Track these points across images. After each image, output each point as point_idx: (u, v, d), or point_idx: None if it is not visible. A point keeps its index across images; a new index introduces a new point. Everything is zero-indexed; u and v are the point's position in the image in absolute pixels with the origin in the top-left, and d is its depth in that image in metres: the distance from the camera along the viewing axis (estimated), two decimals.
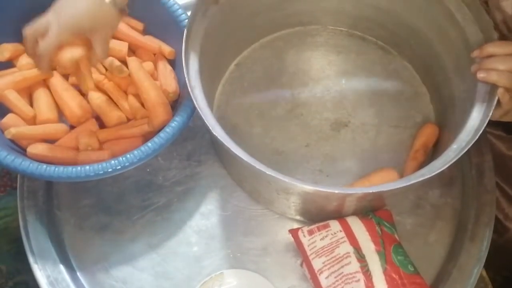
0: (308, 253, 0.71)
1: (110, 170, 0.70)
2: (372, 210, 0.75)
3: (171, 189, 0.82)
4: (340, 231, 0.71)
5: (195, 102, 0.68)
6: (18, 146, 0.76)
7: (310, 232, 0.73)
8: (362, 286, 0.67)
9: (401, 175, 0.81)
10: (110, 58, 0.80)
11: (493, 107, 0.67)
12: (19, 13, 0.80)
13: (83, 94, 0.81)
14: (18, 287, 0.97)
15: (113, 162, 0.70)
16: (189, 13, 0.74)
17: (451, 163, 0.65)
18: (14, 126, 0.75)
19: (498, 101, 0.68)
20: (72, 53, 0.67)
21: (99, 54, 0.69)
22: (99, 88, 0.81)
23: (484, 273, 0.86)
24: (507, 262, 0.93)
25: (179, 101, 0.80)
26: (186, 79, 0.70)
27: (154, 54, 0.83)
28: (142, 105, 0.79)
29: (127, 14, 0.71)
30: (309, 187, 0.64)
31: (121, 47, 0.81)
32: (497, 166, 0.85)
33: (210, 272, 0.76)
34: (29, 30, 0.67)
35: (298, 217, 0.80)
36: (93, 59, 0.70)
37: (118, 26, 0.72)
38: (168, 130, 0.73)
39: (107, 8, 0.68)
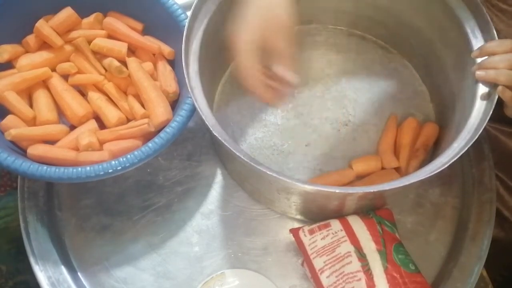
0: (309, 252, 0.71)
1: (110, 170, 0.70)
2: (373, 209, 0.75)
3: (171, 189, 0.82)
4: (341, 230, 0.71)
5: (195, 102, 0.68)
6: (18, 147, 0.76)
7: (311, 232, 0.73)
8: (363, 285, 0.67)
9: (402, 174, 0.81)
10: (109, 59, 0.80)
11: (493, 106, 0.67)
12: (19, 14, 0.80)
13: (83, 95, 0.81)
14: (18, 287, 0.96)
15: (113, 162, 0.70)
16: (189, 13, 0.74)
17: (451, 162, 0.65)
18: (14, 127, 0.75)
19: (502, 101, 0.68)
20: None
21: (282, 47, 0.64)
22: (99, 88, 0.81)
23: (485, 273, 0.86)
24: (508, 262, 0.93)
25: (179, 101, 0.80)
26: (186, 79, 0.70)
27: (154, 55, 0.83)
28: (142, 105, 0.79)
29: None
30: (310, 187, 0.64)
31: (120, 47, 0.80)
32: (506, 164, 0.84)
33: (211, 272, 0.76)
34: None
35: (299, 217, 0.80)
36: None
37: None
38: (168, 130, 0.73)
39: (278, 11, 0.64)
